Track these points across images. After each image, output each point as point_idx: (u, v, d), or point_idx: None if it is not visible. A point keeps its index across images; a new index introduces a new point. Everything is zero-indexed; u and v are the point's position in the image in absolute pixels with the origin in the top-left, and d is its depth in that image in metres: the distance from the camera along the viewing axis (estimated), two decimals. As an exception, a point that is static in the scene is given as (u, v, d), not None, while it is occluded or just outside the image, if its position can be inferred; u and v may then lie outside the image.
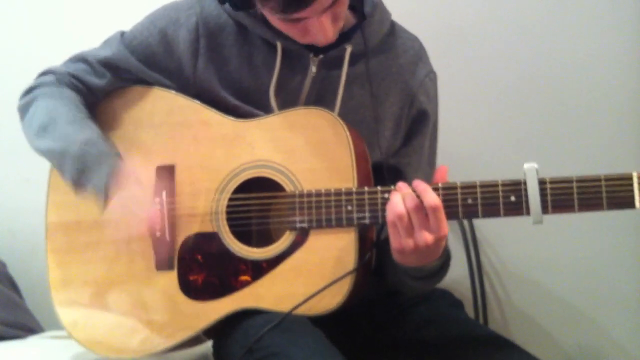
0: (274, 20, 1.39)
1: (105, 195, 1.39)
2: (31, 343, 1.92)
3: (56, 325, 1.55)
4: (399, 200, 1.30)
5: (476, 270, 2.09)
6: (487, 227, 2.13)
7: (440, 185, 1.32)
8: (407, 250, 1.29)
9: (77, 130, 1.45)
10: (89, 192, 1.42)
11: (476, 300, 2.09)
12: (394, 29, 1.56)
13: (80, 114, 1.49)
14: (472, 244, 2.11)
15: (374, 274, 1.47)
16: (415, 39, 1.58)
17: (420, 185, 1.30)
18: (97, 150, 1.42)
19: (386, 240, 1.36)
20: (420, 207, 1.28)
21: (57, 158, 1.45)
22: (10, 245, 2.25)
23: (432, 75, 1.57)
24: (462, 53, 2.11)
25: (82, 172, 1.41)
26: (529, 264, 2.15)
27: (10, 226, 2.27)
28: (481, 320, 2.07)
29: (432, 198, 1.27)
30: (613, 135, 2.06)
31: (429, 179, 1.41)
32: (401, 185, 1.32)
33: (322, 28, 1.36)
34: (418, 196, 1.29)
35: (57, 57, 1.62)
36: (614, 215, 2.02)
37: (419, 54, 1.56)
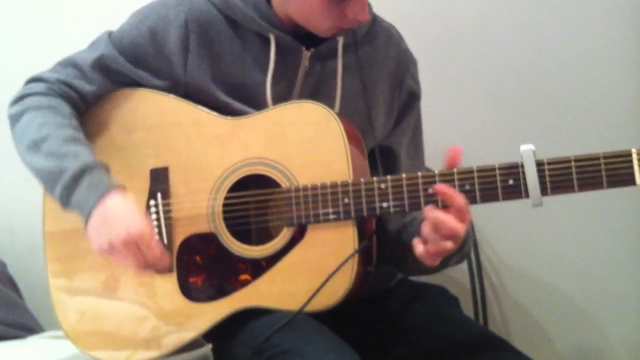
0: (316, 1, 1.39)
1: (89, 212, 1.36)
2: (31, 343, 1.93)
3: (56, 325, 1.54)
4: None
5: (476, 269, 2.07)
6: (487, 227, 2.11)
7: (437, 172, 1.30)
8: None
9: (67, 147, 1.41)
10: (74, 209, 1.39)
11: (476, 299, 2.07)
12: (374, 18, 1.57)
13: (70, 129, 1.45)
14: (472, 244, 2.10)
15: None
16: (393, 27, 1.61)
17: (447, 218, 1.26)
18: (83, 167, 1.38)
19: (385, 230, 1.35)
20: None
21: (46, 176, 1.41)
22: (10, 245, 2.24)
23: (414, 60, 1.61)
24: (462, 51, 2.11)
25: (69, 190, 1.38)
26: (529, 264, 2.14)
27: (10, 226, 2.26)
28: (481, 320, 2.06)
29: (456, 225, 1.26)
30: (611, 129, 2.05)
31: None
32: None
33: (365, 6, 1.41)
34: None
35: (57, 57, 1.57)
36: (613, 214, 2.02)
37: (400, 42, 1.60)
